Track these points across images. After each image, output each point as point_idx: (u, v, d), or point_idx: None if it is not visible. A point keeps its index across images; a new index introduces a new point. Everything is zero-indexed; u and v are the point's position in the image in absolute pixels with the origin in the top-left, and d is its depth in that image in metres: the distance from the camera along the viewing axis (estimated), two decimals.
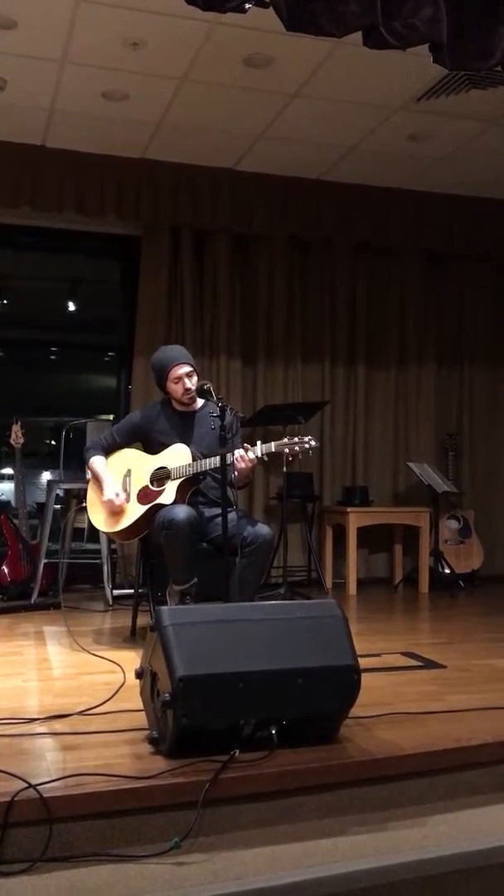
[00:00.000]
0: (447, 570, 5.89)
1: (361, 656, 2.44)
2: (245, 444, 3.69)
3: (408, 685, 3.13)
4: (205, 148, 5.44)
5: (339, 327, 6.28)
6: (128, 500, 3.90)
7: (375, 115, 4.98)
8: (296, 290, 6.17)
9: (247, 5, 2.70)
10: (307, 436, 3.67)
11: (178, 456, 3.83)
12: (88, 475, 4.08)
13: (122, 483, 3.96)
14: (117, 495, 3.88)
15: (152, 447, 4.00)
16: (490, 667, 3.47)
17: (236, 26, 3.92)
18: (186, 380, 3.92)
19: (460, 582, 5.89)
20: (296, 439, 3.62)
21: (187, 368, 3.94)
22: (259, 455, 3.63)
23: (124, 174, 5.57)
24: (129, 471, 3.98)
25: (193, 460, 3.75)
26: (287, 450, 3.61)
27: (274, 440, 3.68)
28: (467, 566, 6.12)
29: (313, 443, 3.63)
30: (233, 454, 3.58)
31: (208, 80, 4.56)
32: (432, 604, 5.41)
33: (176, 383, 3.94)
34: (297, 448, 3.59)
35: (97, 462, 4.03)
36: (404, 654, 3.68)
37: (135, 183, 5.60)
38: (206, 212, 5.75)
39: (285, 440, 3.65)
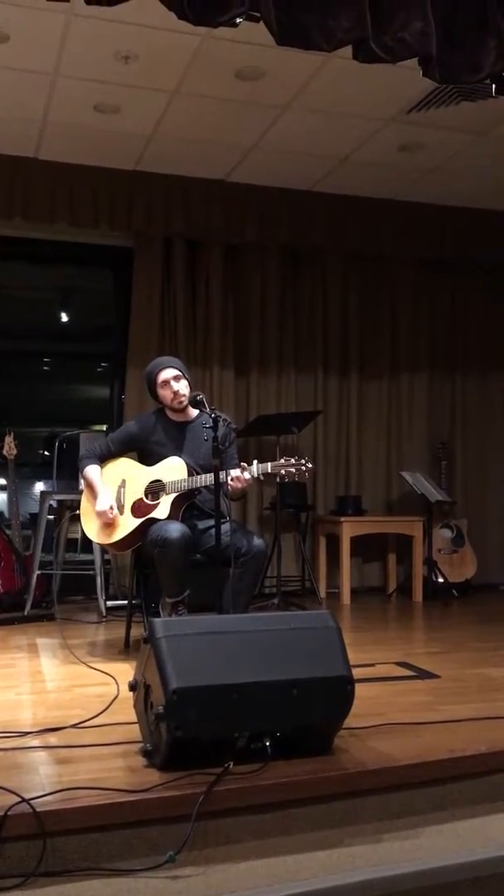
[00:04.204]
0: (441, 580, 5.90)
1: (355, 666, 2.45)
2: (241, 464, 3.68)
3: (402, 695, 3.13)
4: (197, 159, 5.46)
5: (331, 337, 6.30)
6: (122, 512, 3.89)
7: (366, 126, 5.01)
8: (288, 299, 6.19)
9: (237, 20, 2.73)
10: (304, 457, 3.67)
11: (173, 469, 3.82)
12: (82, 484, 4.08)
13: (117, 494, 3.94)
14: (111, 508, 3.86)
15: (147, 457, 3.99)
16: (484, 676, 3.47)
17: (227, 40, 3.95)
18: (173, 382, 3.93)
19: (454, 591, 5.90)
20: (292, 461, 3.61)
21: (173, 372, 3.94)
22: (255, 475, 3.63)
23: (116, 186, 5.58)
24: (123, 481, 3.97)
25: (189, 475, 3.75)
26: (283, 471, 3.60)
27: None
28: (461, 575, 6.12)
29: (310, 465, 3.63)
30: (227, 474, 3.58)
31: (200, 92, 4.58)
32: (426, 613, 5.41)
33: (164, 388, 3.96)
34: (293, 470, 3.59)
35: (92, 471, 4.01)
36: (398, 664, 3.68)
37: (127, 194, 5.61)
38: (199, 222, 5.76)
39: (282, 461, 3.63)
